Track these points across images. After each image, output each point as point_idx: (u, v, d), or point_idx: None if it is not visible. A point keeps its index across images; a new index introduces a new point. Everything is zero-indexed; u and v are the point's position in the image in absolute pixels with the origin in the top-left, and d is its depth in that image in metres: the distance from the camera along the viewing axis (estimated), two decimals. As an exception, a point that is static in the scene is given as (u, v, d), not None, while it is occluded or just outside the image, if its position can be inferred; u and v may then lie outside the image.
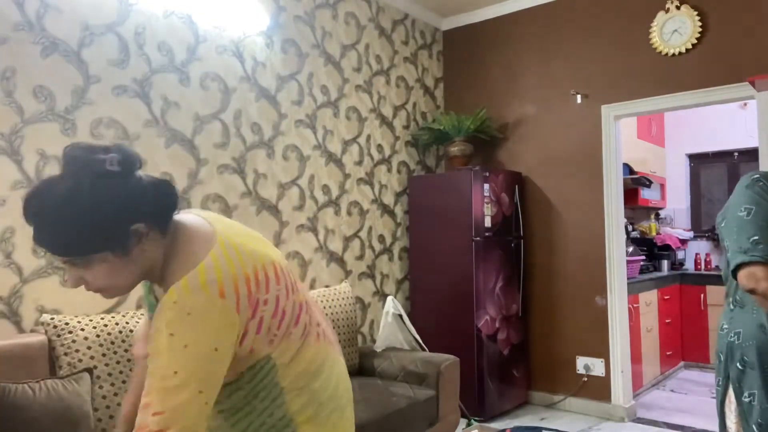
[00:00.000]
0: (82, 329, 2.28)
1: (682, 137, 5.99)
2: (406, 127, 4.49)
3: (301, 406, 1.20)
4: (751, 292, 1.36)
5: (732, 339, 1.55)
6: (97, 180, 1.01)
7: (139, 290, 2.77)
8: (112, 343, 2.31)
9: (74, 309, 2.51)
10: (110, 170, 1.03)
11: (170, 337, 1.01)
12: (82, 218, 1.00)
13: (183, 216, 1.17)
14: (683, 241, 5.89)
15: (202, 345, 1.02)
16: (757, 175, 1.50)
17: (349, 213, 3.96)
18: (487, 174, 4.07)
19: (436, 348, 3.56)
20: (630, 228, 5.48)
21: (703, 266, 5.74)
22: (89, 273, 1.06)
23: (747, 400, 1.49)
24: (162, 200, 1.10)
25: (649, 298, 4.87)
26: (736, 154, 5.79)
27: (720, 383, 1.60)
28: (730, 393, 1.56)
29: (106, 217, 1.02)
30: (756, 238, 1.38)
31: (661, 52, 3.84)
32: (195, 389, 1.01)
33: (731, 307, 1.60)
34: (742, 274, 1.37)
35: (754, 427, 1.47)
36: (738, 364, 1.52)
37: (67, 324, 2.27)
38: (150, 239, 1.09)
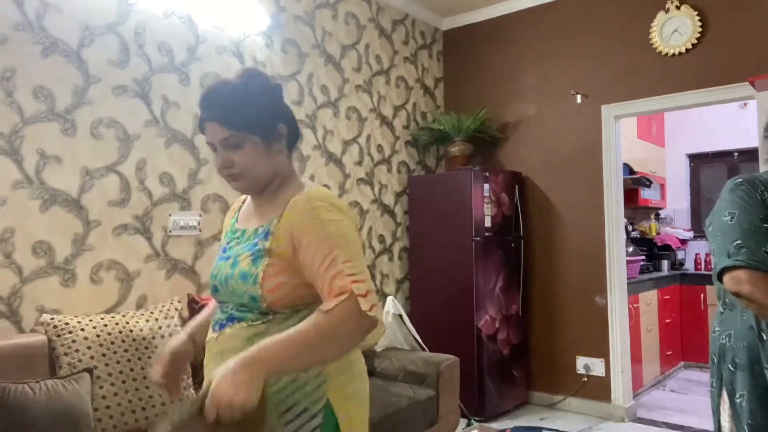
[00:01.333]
0: (82, 329, 2.28)
1: (682, 137, 5.99)
2: (406, 127, 4.49)
3: (338, 369, 1.28)
4: (736, 295, 1.39)
5: (724, 341, 1.57)
6: (265, 83, 1.34)
7: (139, 290, 2.78)
8: (112, 343, 2.31)
9: (74, 309, 2.51)
10: (272, 83, 1.36)
11: (336, 212, 1.26)
12: (251, 104, 1.28)
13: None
14: (683, 241, 5.89)
15: (353, 220, 1.30)
16: (740, 179, 1.52)
17: (349, 213, 3.96)
18: (487, 174, 4.07)
19: (436, 348, 3.56)
20: (630, 228, 5.48)
21: (703, 266, 5.74)
22: (239, 154, 1.28)
23: (738, 401, 1.50)
24: (296, 128, 1.40)
25: (649, 298, 4.87)
26: (736, 154, 5.78)
27: (714, 385, 1.62)
28: (724, 394, 1.56)
29: (265, 107, 1.31)
30: (739, 242, 1.41)
31: (661, 52, 3.84)
32: (361, 254, 1.26)
33: (722, 309, 1.62)
34: (726, 278, 1.41)
35: (745, 427, 1.47)
36: (730, 366, 1.53)
37: (67, 324, 2.27)
38: (283, 145, 1.35)
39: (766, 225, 1.42)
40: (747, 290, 1.35)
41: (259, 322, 1.26)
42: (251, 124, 1.28)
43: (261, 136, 1.29)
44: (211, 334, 1.34)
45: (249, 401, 1.04)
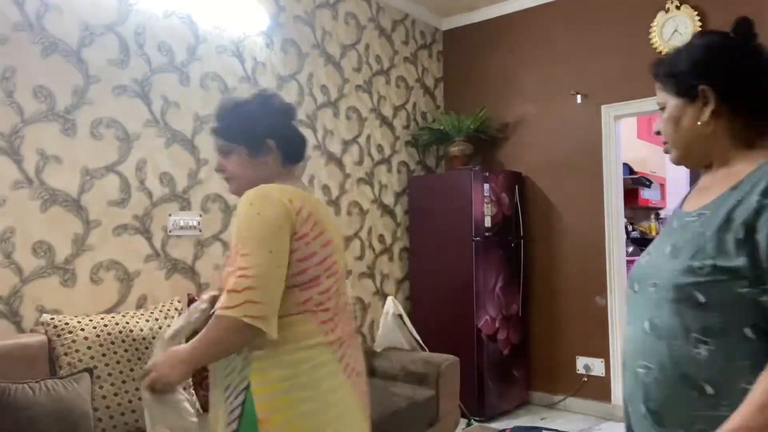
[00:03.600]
0: (82, 329, 2.28)
1: (682, 137, 5.98)
2: (406, 127, 4.49)
3: (262, 354, 1.32)
4: None
5: None
6: (264, 102, 1.52)
7: (139, 290, 2.78)
8: (112, 343, 2.31)
9: (74, 309, 2.51)
10: (274, 104, 1.53)
11: (249, 206, 1.34)
12: (242, 120, 1.49)
13: (300, 178, 1.57)
14: (683, 241, 5.88)
15: (271, 216, 1.32)
16: None
17: (349, 213, 3.96)
18: (487, 174, 4.07)
19: (436, 348, 3.56)
20: (630, 228, 5.47)
21: (703, 266, 5.72)
22: (228, 161, 1.50)
23: None
24: (294, 144, 1.54)
25: (649, 298, 4.86)
26: (736, 154, 5.78)
27: None
28: None
29: (256, 124, 1.47)
30: None
31: (661, 52, 3.84)
32: (266, 249, 1.29)
33: None
34: None
35: None
36: None
37: (67, 324, 2.27)
38: (273, 159, 1.49)
39: None
40: None
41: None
42: (238, 136, 1.48)
43: (247, 147, 1.48)
44: None
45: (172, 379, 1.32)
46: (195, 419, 1.38)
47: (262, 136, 1.47)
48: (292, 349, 1.34)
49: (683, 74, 1.12)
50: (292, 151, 1.53)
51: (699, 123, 1.10)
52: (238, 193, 1.46)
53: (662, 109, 1.18)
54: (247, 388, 1.31)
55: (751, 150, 1.08)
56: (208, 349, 1.30)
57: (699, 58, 1.11)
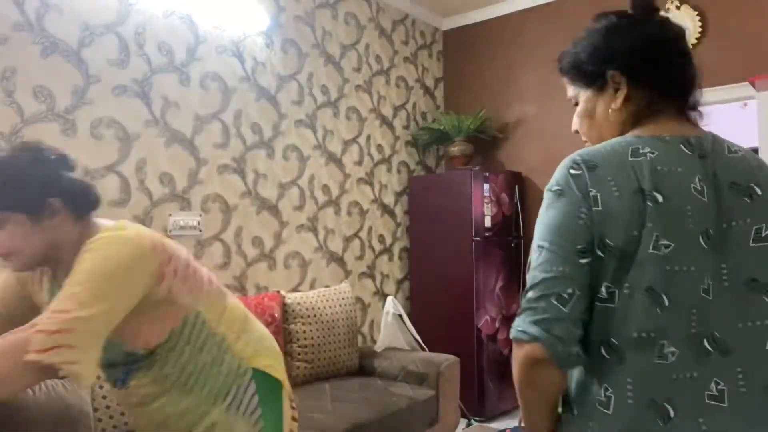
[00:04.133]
0: (82, 329, 2.28)
1: (682, 137, 5.98)
2: (406, 127, 4.49)
3: (244, 345, 1.41)
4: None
5: None
6: (34, 158, 1.26)
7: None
8: (112, 343, 2.31)
9: (74, 309, 2.50)
10: (47, 156, 1.28)
11: (89, 252, 1.17)
12: (13, 179, 1.22)
13: (101, 219, 1.35)
14: (683, 241, 5.89)
15: (113, 261, 1.16)
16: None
17: (349, 213, 3.96)
18: (487, 174, 4.07)
19: (436, 348, 3.56)
20: (630, 228, 5.47)
21: (703, 266, 5.73)
22: (2, 233, 1.22)
23: None
24: (82, 194, 1.31)
25: (649, 298, 4.86)
26: (736, 154, 5.78)
27: None
28: None
29: (31, 182, 1.22)
30: None
31: (661, 52, 3.84)
32: (97, 299, 1.12)
33: None
34: None
35: None
36: None
37: (67, 324, 2.26)
38: (62, 218, 1.26)
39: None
40: None
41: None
42: (10, 203, 1.21)
43: (25, 213, 1.22)
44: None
45: None
46: None
47: (43, 195, 1.23)
48: (253, 324, 1.52)
49: (588, 63, 1.06)
50: (83, 203, 1.30)
51: (611, 110, 1.03)
52: (26, 268, 1.29)
53: (576, 104, 1.11)
54: (254, 374, 1.42)
55: (642, 127, 1.01)
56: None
57: (600, 43, 1.04)
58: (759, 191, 0.94)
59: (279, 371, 1.47)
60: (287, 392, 1.49)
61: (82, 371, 1.13)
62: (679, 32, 1.06)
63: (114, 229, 1.24)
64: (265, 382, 1.43)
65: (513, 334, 0.96)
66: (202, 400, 1.35)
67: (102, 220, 1.34)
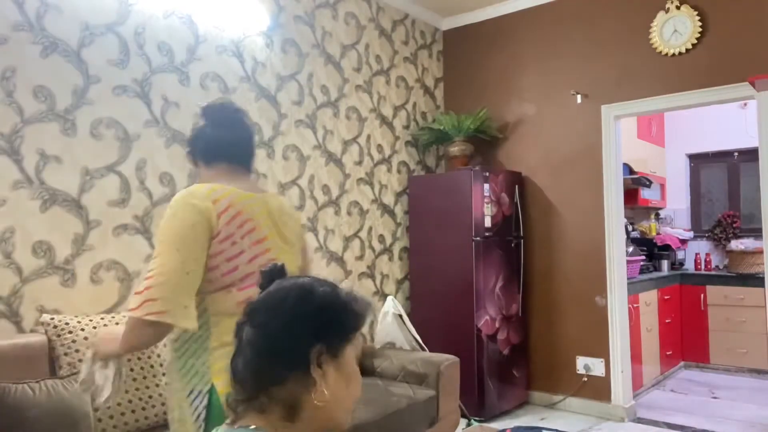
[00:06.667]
0: (82, 329, 2.28)
1: (682, 137, 5.99)
2: (406, 127, 4.49)
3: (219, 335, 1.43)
4: None
5: None
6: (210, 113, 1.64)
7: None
8: (112, 343, 2.31)
9: (74, 309, 2.51)
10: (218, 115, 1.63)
11: (168, 209, 1.42)
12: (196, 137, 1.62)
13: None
14: (683, 241, 5.89)
15: (185, 217, 1.39)
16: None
17: (349, 213, 3.96)
18: (487, 174, 4.07)
19: (436, 348, 3.56)
20: (630, 228, 5.47)
21: (703, 266, 5.73)
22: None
23: None
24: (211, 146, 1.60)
25: (649, 298, 4.87)
26: (736, 154, 5.78)
27: None
28: None
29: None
30: None
31: (661, 52, 3.84)
32: (174, 248, 1.36)
33: None
34: None
35: None
36: None
37: (67, 324, 2.27)
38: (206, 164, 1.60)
39: None
40: None
41: None
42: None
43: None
44: None
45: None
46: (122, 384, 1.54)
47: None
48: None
49: None
50: (215, 153, 1.58)
51: None
52: None
53: None
54: (212, 390, 1.40)
55: None
56: (126, 343, 1.40)
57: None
58: None
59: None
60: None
61: (172, 320, 1.33)
62: None
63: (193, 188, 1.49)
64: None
65: None
66: (179, 374, 1.46)
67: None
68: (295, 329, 0.92)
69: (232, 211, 1.43)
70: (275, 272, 1.03)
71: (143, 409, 2.30)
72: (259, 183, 2.94)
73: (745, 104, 5.27)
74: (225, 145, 1.57)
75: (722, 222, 5.77)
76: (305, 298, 0.96)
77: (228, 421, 0.94)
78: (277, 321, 0.93)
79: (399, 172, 4.40)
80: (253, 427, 0.90)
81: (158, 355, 2.40)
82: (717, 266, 5.73)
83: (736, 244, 5.37)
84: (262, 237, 1.49)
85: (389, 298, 3.59)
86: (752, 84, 3.31)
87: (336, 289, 1.00)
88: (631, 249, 4.99)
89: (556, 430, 3.69)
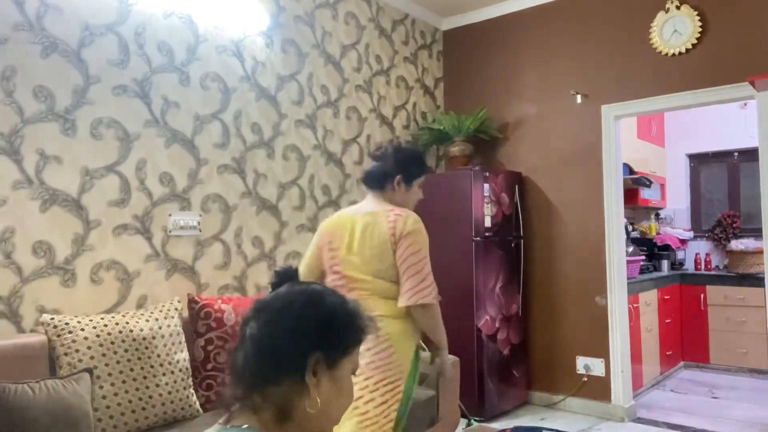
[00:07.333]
0: (82, 329, 2.28)
1: (682, 137, 5.99)
2: (406, 127, 4.49)
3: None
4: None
5: None
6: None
7: (139, 290, 2.78)
8: (112, 343, 2.31)
9: (74, 309, 2.51)
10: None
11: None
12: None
13: None
14: (683, 241, 5.89)
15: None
16: None
17: (349, 213, 3.96)
18: (487, 174, 4.07)
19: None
20: (630, 228, 5.47)
21: (703, 266, 5.73)
22: None
23: None
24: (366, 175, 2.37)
25: (649, 298, 4.87)
26: (736, 154, 5.78)
27: None
28: None
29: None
30: None
31: (661, 52, 3.84)
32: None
33: None
34: None
35: None
36: None
37: (67, 324, 2.27)
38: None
39: None
40: None
41: None
42: None
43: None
44: None
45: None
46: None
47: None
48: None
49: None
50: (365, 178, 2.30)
51: None
52: None
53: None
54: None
55: None
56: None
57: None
58: None
59: None
60: None
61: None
62: None
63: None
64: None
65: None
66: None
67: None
68: (298, 334, 0.93)
69: (325, 231, 2.27)
70: (287, 274, 1.04)
71: (143, 409, 2.30)
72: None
73: (745, 104, 5.27)
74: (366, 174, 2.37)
75: (722, 222, 5.77)
76: (313, 304, 0.97)
77: (221, 420, 0.95)
78: (282, 322, 0.94)
79: (399, 172, 4.39)
80: (245, 426, 0.91)
81: (158, 356, 2.40)
82: (717, 266, 5.73)
83: (736, 244, 5.37)
84: (335, 249, 2.22)
85: (389, 298, 3.59)
86: (752, 84, 3.31)
87: (344, 301, 1.01)
88: (631, 249, 5.00)
89: (556, 430, 3.69)
